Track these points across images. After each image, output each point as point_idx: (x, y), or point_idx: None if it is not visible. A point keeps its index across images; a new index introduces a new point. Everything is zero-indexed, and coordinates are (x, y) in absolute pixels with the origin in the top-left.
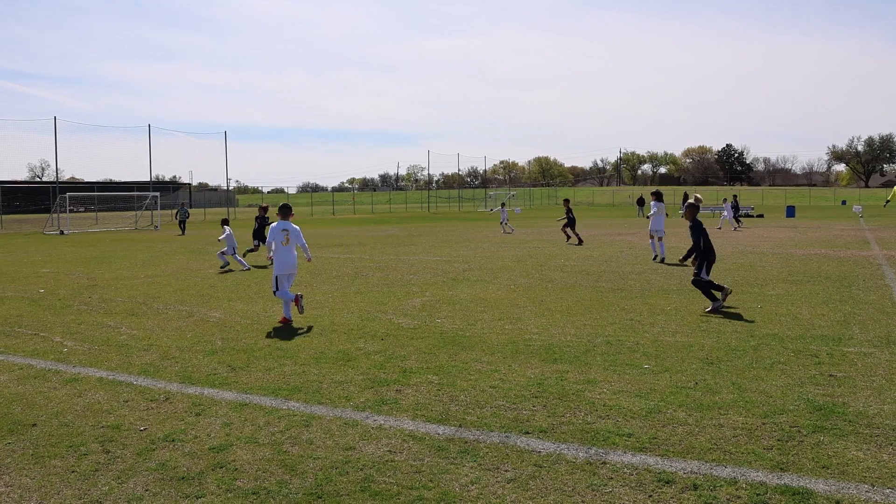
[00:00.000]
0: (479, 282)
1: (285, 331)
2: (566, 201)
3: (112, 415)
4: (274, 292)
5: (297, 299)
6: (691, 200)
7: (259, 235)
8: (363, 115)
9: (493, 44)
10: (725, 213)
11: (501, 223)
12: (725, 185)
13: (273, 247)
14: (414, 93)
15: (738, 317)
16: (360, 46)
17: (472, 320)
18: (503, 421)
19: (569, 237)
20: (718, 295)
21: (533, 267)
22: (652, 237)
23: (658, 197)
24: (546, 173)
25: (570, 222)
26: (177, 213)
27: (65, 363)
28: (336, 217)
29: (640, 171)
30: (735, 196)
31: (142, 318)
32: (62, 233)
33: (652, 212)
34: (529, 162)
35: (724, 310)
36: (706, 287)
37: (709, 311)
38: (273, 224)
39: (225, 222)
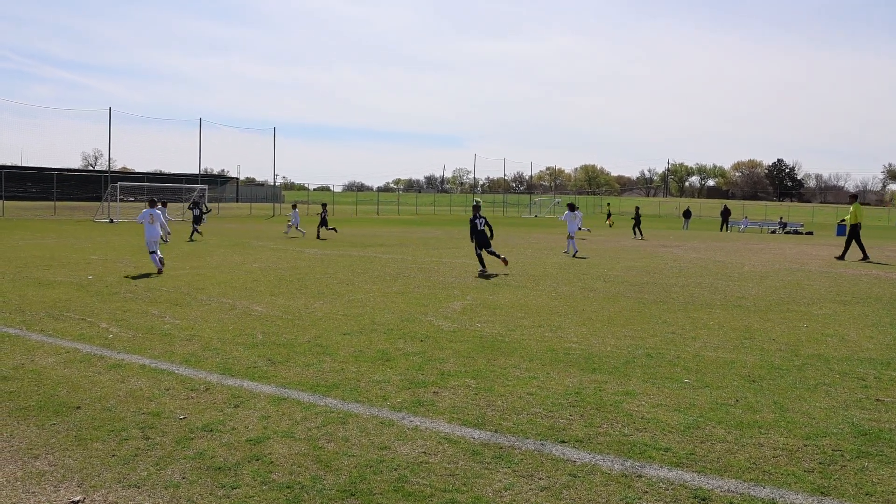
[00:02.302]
0: (521, 288)
1: (326, 328)
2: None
3: (153, 402)
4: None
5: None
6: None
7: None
8: (410, 115)
9: (542, 47)
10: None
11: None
12: (775, 200)
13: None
14: (461, 94)
15: (783, 335)
16: (408, 45)
17: (511, 326)
18: (539, 428)
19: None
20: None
21: (575, 275)
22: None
23: (572, 208)
24: (592, 181)
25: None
26: (192, 206)
27: (109, 349)
28: (380, 217)
29: (687, 183)
30: (781, 217)
31: (185, 308)
32: (112, 221)
33: (566, 218)
34: (576, 169)
35: (768, 328)
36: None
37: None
38: (144, 210)
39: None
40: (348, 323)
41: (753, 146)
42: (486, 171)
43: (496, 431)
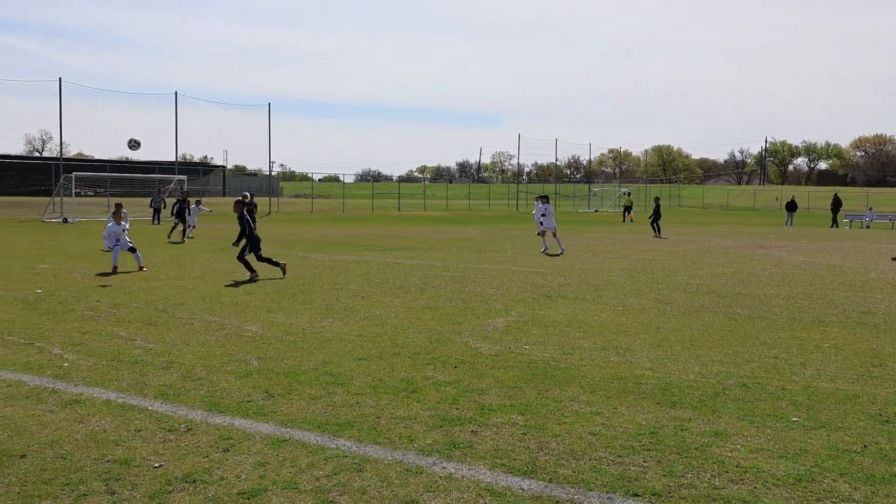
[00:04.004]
0: (578, 300)
1: (337, 352)
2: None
3: (120, 447)
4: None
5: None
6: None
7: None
8: (437, 89)
9: (602, 1)
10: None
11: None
12: None
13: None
14: (501, 61)
15: None
16: (433, 2)
17: (567, 348)
18: (605, 478)
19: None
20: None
21: (647, 284)
22: (544, 234)
23: (545, 200)
24: (667, 166)
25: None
26: (152, 201)
27: (64, 381)
28: (402, 213)
29: (791, 167)
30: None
31: (161, 328)
32: (66, 221)
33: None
34: (646, 152)
35: None
36: None
37: None
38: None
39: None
40: (364, 345)
41: (882, 118)
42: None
43: (550, 481)
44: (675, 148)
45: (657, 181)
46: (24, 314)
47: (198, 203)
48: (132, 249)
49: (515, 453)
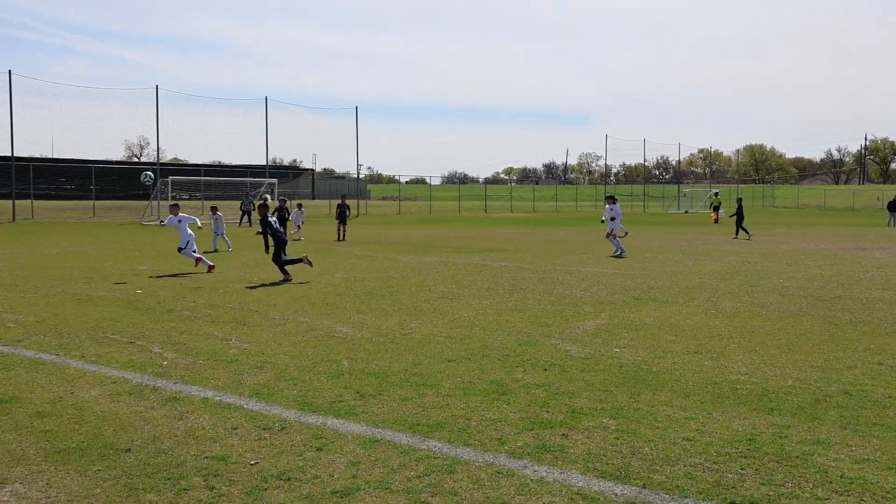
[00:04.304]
0: (670, 303)
1: (426, 353)
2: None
3: (218, 444)
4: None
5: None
6: None
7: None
8: (522, 90)
9: None
10: None
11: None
12: None
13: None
14: (588, 62)
15: None
16: (518, 4)
17: (659, 352)
18: (701, 484)
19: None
20: None
21: (740, 287)
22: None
23: (612, 200)
24: (760, 166)
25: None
26: (242, 203)
27: (164, 378)
28: (489, 215)
29: (894, 165)
30: (739, 199)
31: (254, 329)
32: (162, 223)
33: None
34: (738, 151)
35: None
36: None
37: None
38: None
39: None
40: (453, 347)
41: None
42: (621, 156)
43: (644, 487)
44: (769, 147)
45: (749, 181)
46: (126, 314)
47: (299, 206)
48: (180, 249)
49: (607, 457)
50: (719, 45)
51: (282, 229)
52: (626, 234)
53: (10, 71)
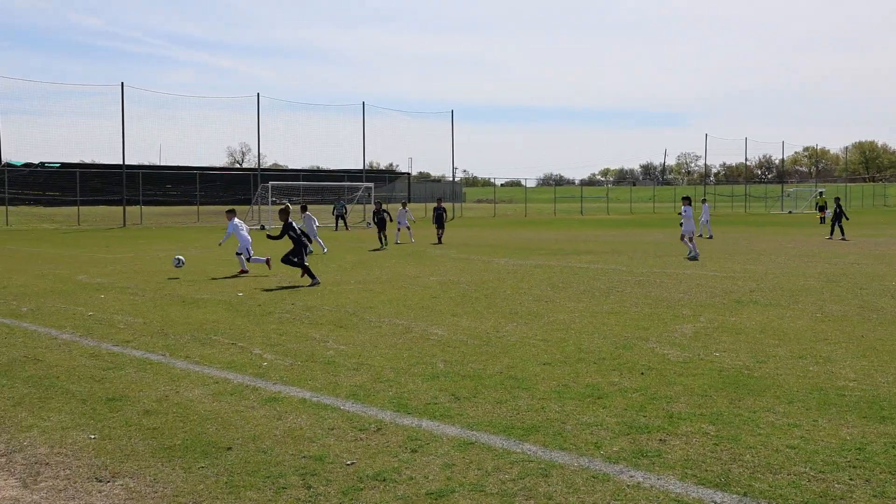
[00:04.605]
0: (772, 306)
1: (521, 356)
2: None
3: (315, 444)
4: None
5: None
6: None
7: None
8: (618, 90)
9: None
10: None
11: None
12: None
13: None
14: (685, 59)
15: None
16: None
17: (761, 356)
18: (806, 494)
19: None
20: None
21: (849, 290)
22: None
23: (687, 201)
24: (870, 164)
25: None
26: (334, 208)
27: (264, 379)
28: (584, 217)
29: None
30: (837, 199)
31: (351, 331)
32: (263, 227)
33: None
34: (846, 149)
35: None
36: None
37: None
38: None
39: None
40: (549, 350)
41: None
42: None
43: (745, 495)
44: (880, 143)
45: (858, 180)
46: (227, 316)
47: (404, 205)
48: (238, 253)
49: (707, 464)
50: (825, 38)
51: (305, 238)
52: (711, 237)
53: (122, 83)
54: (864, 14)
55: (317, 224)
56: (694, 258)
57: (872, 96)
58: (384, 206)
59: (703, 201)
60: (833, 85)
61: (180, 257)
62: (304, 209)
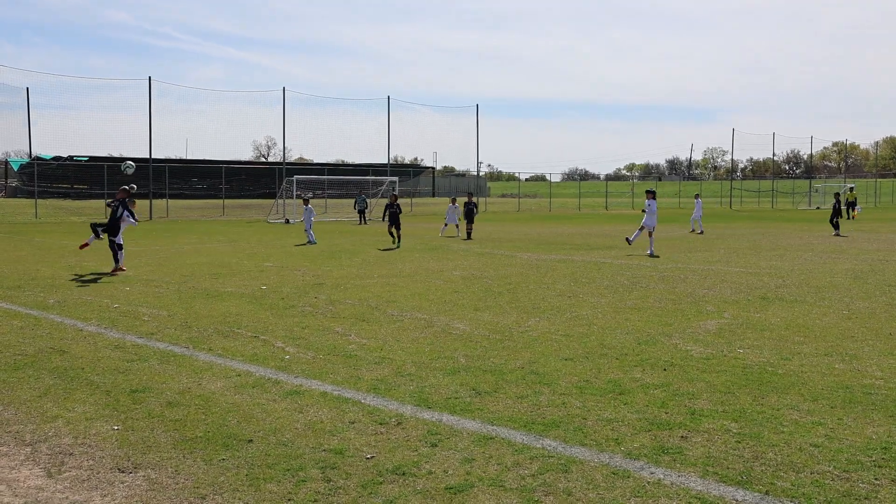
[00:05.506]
0: (798, 303)
1: (543, 351)
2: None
3: (336, 437)
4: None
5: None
6: None
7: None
8: (644, 85)
9: None
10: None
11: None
12: None
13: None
14: (713, 54)
15: None
16: None
17: (786, 353)
18: (829, 493)
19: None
20: None
21: (877, 286)
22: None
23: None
24: None
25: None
26: (356, 203)
27: (286, 372)
28: (610, 212)
29: None
30: (837, 195)
31: (373, 325)
32: (287, 222)
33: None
34: (876, 144)
35: None
36: None
37: None
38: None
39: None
40: (570, 345)
41: None
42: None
43: (767, 493)
44: None
45: (889, 175)
46: (250, 309)
47: (453, 201)
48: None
49: (728, 462)
50: (855, 32)
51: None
52: (702, 232)
53: (149, 77)
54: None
55: (314, 217)
56: (651, 254)
57: None
58: (397, 201)
59: (697, 197)
60: (863, 79)
61: (130, 163)
62: (305, 202)
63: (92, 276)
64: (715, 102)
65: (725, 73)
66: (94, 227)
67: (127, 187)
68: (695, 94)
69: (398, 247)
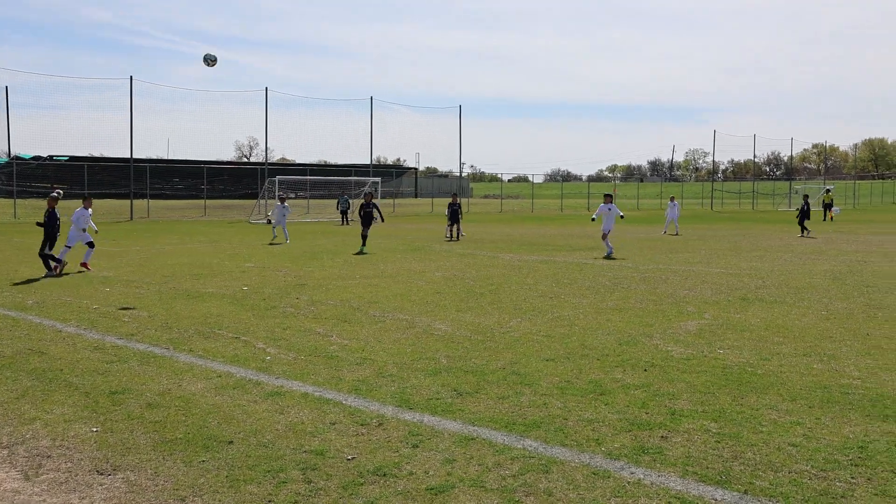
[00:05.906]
0: (778, 303)
1: (525, 352)
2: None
3: (316, 438)
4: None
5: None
6: None
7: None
8: (626, 85)
9: None
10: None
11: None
12: None
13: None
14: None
15: None
16: None
17: (765, 354)
18: (807, 492)
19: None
20: None
21: (855, 287)
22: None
23: (608, 199)
24: (880, 161)
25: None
26: (338, 203)
27: (267, 373)
28: (591, 213)
29: None
30: (806, 196)
31: (355, 325)
32: (269, 222)
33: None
34: (855, 146)
35: None
36: None
37: None
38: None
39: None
40: (552, 346)
41: None
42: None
43: (746, 493)
44: (890, 141)
45: (867, 177)
46: (232, 310)
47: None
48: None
49: (708, 461)
50: (835, 35)
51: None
52: (678, 234)
53: (131, 77)
54: (874, 10)
55: (289, 212)
56: (609, 256)
57: (882, 93)
58: (374, 200)
59: (672, 199)
60: (843, 82)
61: (212, 55)
62: (282, 200)
63: (71, 277)
64: (697, 104)
65: (707, 75)
66: (44, 256)
67: (55, 194)
68: (677, 95)
69: (361, 252)
